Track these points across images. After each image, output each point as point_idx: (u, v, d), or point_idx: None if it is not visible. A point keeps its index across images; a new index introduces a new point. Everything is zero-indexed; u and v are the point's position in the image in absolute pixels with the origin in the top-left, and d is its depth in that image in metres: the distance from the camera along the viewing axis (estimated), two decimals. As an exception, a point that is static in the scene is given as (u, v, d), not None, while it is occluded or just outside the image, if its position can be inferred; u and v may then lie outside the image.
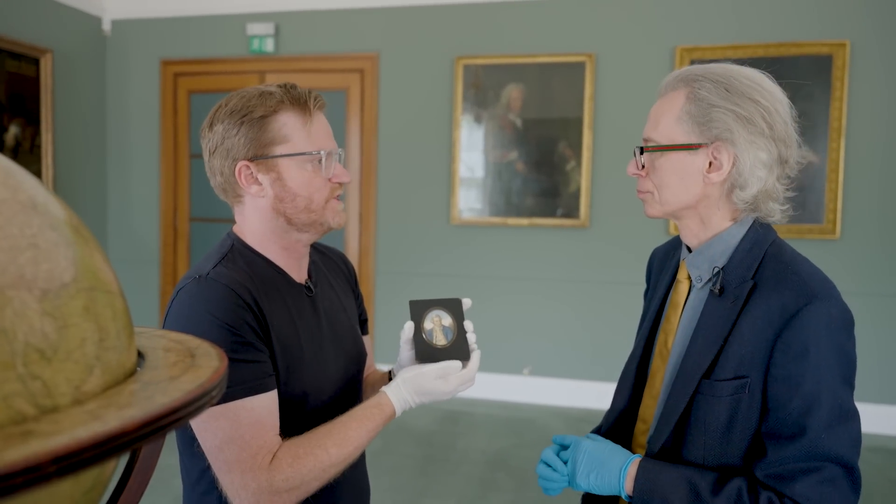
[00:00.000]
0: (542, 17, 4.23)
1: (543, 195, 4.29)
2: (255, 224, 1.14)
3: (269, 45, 4.56)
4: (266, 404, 1.03)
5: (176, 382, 0.43)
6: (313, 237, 1.16)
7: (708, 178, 1.04)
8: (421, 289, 4.38)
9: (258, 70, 4.65)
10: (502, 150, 4.33)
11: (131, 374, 0.46)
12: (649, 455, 1.07)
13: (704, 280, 1.08)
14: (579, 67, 4.17)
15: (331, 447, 1.03)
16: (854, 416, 0.97)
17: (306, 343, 1.12)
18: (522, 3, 4.26)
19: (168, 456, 1.59)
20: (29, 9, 4.24)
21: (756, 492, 0.96)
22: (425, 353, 1.14)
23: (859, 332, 1.10)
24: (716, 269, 1.06)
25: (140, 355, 0.51)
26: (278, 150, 1.09)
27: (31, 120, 4.28)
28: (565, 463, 1.10)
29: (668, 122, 1.06)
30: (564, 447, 1.13)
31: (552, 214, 4.27)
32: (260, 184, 1.11)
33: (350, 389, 1.21)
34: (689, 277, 1.11)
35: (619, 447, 1.09)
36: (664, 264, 1.23)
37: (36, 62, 4.28)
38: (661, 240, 4.13)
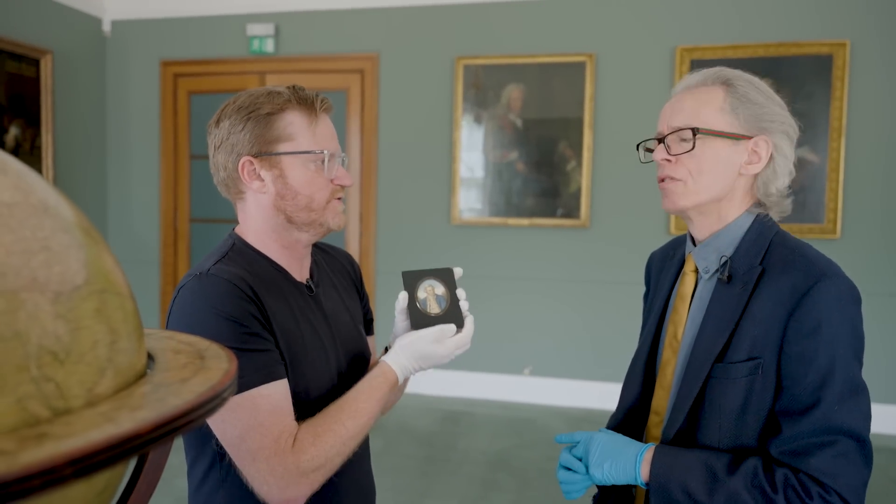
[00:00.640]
0: (542, 17, 4.24)
1: (544, 195, 4.29)
2: (256, 222, 1.16)
3: (270, 46, 4.56)
4: (281, 390, 1.04)
5: (187, 384, 0.43)
6: (313, 237, 1.17)
7: (746, 169, 1.08)
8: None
9: (258, 71, 4.65)
10: (503, 151, 4.34)
11: (142, 376, 0.46)
12: (664, 443, 1.08)
13: (712, 271, 1.10)
14: (579, 67, 4.17)
15: (346, 420, 1.05)
16: (864, 391, 0.99)
17: (308, 341, 1.13)
18: (522, 3, 4.26)
19: (171, 455, 1.59)
20: (29, 10, 4.24)
21: (771, 470, 0.98)
22: (420, 321, 1.16)
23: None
24: (723, 259, 1.08)
25: (149, 357, 0.51)
26: (282, 147, 1.11)
27: (32, 121, 4.28)
28: (580, 460, 1.11)
29: (711, 112, 1.08)
30: (573, 445, 1.14)
31: (552, 214, 4.28)
32: (262, 180, 1.12)
33: (348, 389, 1.21)
34: (696, 270, 1.13)
35: (632, 440, 1.10)
36: (664, 265, 1.26)
37: (36, 63, 4.28)
38: (662, 239, 4.13)
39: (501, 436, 3.79)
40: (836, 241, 3.91)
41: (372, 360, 1.33)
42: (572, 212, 4.24)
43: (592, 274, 4.27)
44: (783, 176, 1.09)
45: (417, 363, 1.14)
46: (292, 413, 1.05)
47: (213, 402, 0.41)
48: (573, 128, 4.22)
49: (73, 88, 4.58)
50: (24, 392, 0.35)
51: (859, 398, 0.98)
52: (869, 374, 1.12)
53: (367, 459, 1.26)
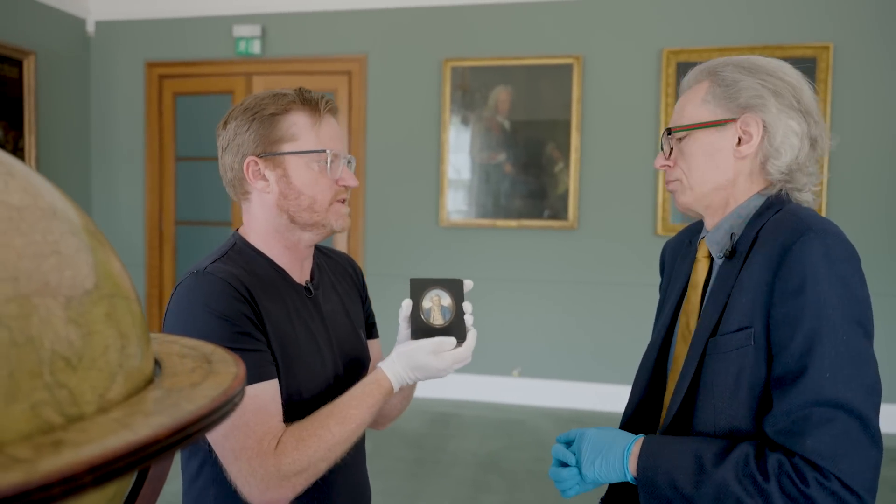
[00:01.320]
0: (530, 20, 4.25)
1: (532, 197, 4.30)
2: (259, 222, 1.16)
3: (256, 48, 4.54)
4: (269, 391, 1.03)
5: (199, 389, 0.42)
6: (315, 238, 1.17)
7: (738, 152, 1.02)
8: (409, 292, 4.36)
9: (245, 72, 4.63)
10: (491, 152, 4.34)
11: (150, 380, 0.45)
12: (663, 430, 1.01)
13: (724, 253, 1.04)
14: (567, 70, 4.19)
15: (333, 426, 1.04)
16: (867, 362, 0.88)
17: (303, 343, 1.13)
18: (510, 5, 4.27)
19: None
20: (11, 10, 4.19)
21: (764, 455, 0.89)
22: (421, 331, 1.13)
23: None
24: (733, 237, 1.02)
25: (154, 362, 0.51)
26: (286, 147, 1.12)
27: (14, 123, 4.23)
28: (575, 455, 1.06)
29: (694, 107, 1.05)
30: (570, 443, 1.09)
31: (540, 216, 4.29)
32: (266, 180, 1.13)
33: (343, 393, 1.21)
34: (709, 256, 1.08)
35: (623, 432, 1.04)
36: (678, 253, 1.20)
37: (19, 64, 4.23)
38: (649, 240, 4.16)
39: (491, 437, 3.79)
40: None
41: (373, 365, 1.32)
42: (560, 213, 4.26)
43: (580, 275, 4.28)
44: (786, 150, 1.00)
45: (413, 374, 1.11)
46: (279, 414, 1.04)
47: (226, 407, 0.40)
48: (560, 130, 4.23)
49: (56, 90, 4.53)
50: (39, 398, 0.34)
51: (861, 369, 0.87)
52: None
53: (363, 463, 1.26)
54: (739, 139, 1.02)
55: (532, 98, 4.27)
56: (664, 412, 1.07)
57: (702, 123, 1.04)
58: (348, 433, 1.05)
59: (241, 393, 0.44)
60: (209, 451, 1.08)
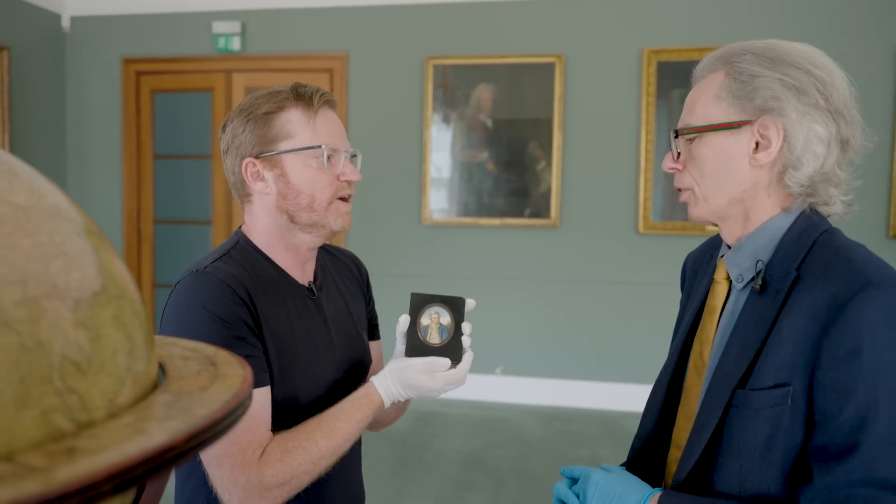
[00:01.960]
0: (512, 18, 4.26)
1: (514, 195, 4.31)
2: (261, 223, 1.14)
3: (236, 44, 4.49)
4: (259, 399, 1.02)
5: (208, 393, 0.41)
6: (316, 241, 1.15)
7: (755, 160, 0.89)
8: (393, 290, 4.35)
9: (225, 69, 4.58)
10: (473, 151, 4.34)
11: (155, 384, 0.44)
12: (676, 484, 0.91)
13: (746, 279, 0.93)
14: (549, 68, 4.20)
15: (320, 439, 1.02)
16: None
17: (302, 345, 1.11)
18: (492, 3, 4.27)
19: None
20: (-17, 4, 4.10)
21: None
22: (416, 349, 1.11)
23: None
24: (760, 265, 0.90)
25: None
26: (282, 145, 1.10)
27: (-13, 119, 4.14)
28: (578, 497, 0.96)
29: (706, 103, 0.93)
30: (575, 480, 0.99)
31: (523, 214, 4.30)
32: (265, 180, 1.11)
33: (347, 395, 1.20)
34: (728, 278, 0.97)
35: (635, 478, 0.94)
36: (699, 268, 1.09)
37: (-9, 60, 4.14)
38: (630, 238, 4.19)
39: (475, 435, 3.80)
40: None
41: (376, 368, 1.31)
42: (542, 211, 4.27)
43: (563, 273, 4.30)
44: (809, 160, 0.87)
45: (405, 391, 1.09)
46: (267, 423, 1.02)
47: (238, 411, 0.40)
48: (543, 128, 4.25)
49: (30, 86, 4.44)
50: (49, 405, 0.33)
51: None
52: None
53: (358, 468, 1.25)
54: (757, 144, 0.90)
55: (514, 96, 4.28)
56: (671, 448, 1.00)
57: (714, 126, 0.91)
58: (335, 447, 1.04)
59: (251, 396, 0.44)
60: None
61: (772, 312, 0.86)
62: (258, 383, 1.02)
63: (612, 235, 4.21)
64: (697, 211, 0.96)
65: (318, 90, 1.12)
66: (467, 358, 1.12)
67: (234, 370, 0.47)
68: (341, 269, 1.30)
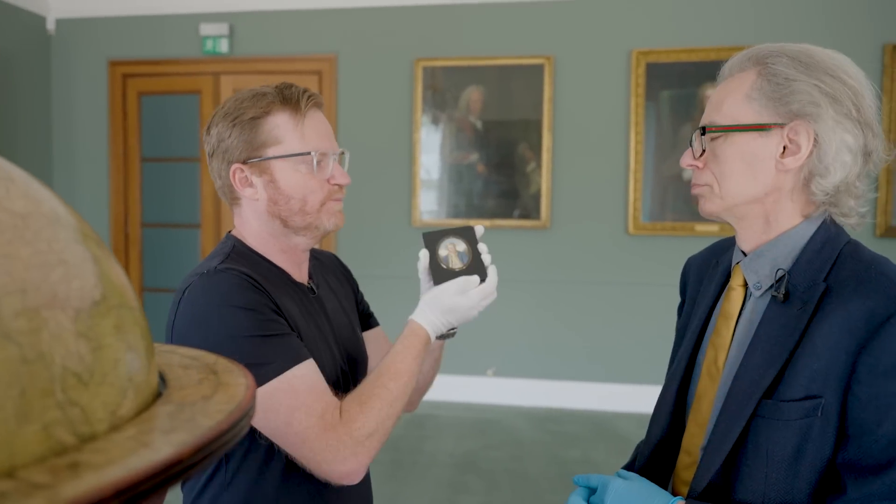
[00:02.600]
0: (501, 20, 4.26)
1: (504, 197, 4.32)
2: (253, 227, 1.14)
3: (224, 46, 4.46)
4: (312, 369, 1.02)
5: (211, 402, 0.40)
6: (310, 241, 1.15)
7: (782, 164, 0.88)
8: (382, 291, 4.34)
9: (212, 72, 4.55)
10: (463, 152, 4.34)
11: (157, 394, 0.43)
12: (693, 494, 0.90)
13: (765, 287, 0.92)
14: (538, 70, 4.21)
15: (388, 382, 1.04)
16: None
17: (312, 341, 1.11)
18: (481, 5, 4.27)
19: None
20: (-33, 7, 4.05)
21: None
22: (442, 276, 1.14)
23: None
24: (780, 273, 0.89)
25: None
26: (270, 151, 1.08)
27: (-29, 123, 4.08)
28: None
29: (735, 102, 0.91)
30: (592, 490, 0.96)
31: (513, 216, 4.31)
32: (254, 186, 1.10)
33: (350, 390, 1.20)
34: (745, 285, 0.96)
35: (655, 487, 0.92)
36: (703, 273, 1.08)
37: (-25, 62, 4.09)
38: (621, 239, 4.20)
39: (467, 437, 3.79)
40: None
41: (382, 351, 1.31)
42: (532, 213, 4.28)
43: (553, 274, 4.31)
44: (837, 169, 0.87)
45: (445, 317, 1.11)
46: (329, 389, 1.03)
47: (243, 421, 0.39)
48: (532, 129, 4.25)
49: (15, 89, 4.39)
50: (51, 418, 0.32)
51: None
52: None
53: (368, 476, 1.25)
54: (785, 148, 0.88)
55: (504, 98, 4.28)
56: (680, 454, 0.99)
57: (743, 126, 0.90)
58: (403, 387, 1.05)
59: (254, 406, 0.43)
60: (220, 460, 1.06)
61: (799, 323, 0.85)
62: (305, 356, 1.02)
63: (603, 236, 4.22)
64: (711, 206, 0.95)
65: (304, 91, 1.11)
66: (493, 271, 1.15)
67: (235, 378, 0.47)
68: (328, 269, 1.31)
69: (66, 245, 0.37)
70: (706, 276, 1.07)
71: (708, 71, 3.99)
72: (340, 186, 1.13)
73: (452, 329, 1.15)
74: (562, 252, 4.28)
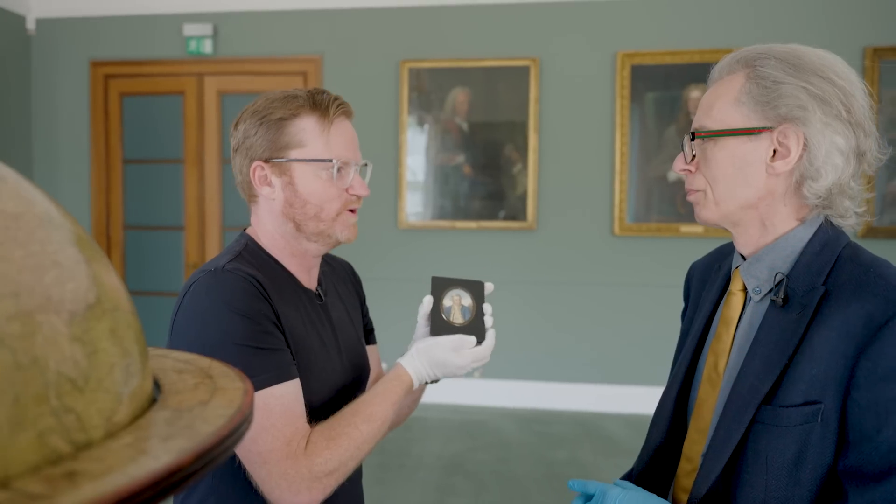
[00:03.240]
0: (487, 22, 4.26)
1: (491, 198, 4.32)
2: (267, 228, 1.13)
3: (207, 47, 4.42)
4: (293, 391, 1.01)
5: (209, 408, 0.39)
6: (321, 249, 1.14)
7: (772, 167, 0.88)
8: (369, 293, 4.33)
9: (196, 72, 4.50)
10: (449, 154, 4.34)
11: (151, 400, 0.42)
12: (693, 501, 0.89)
13: (764, 291, 0.91)
14: (524, 72, 4.22)
15: (360, 424, 1.02)
16: None
17: (316, 349, 1.10)
18: (467, 7, 4.27)
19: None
20: (-56, 5, 3.98)
21: None
22: (440, 328, 1.13)
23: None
24: (778, 277, 0.89)
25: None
26: (293, 153, 1.09)
27: (-51, 124, 4.01)
28: None
29: (724, 106, 0.90)
30: (589, 497, 0.96)
31: (499, 217, 4.31)
32: (272, 185, 1.10)
33: (351, 400, 1.19)
34: (744, 289, 0.95)
35: (655, 497, 0.91)
36: (706, 277, 1.07)
37: (-47, 62, 4.02)
38: (606, 240, 4.22)
39: (454, 439, 3.78)
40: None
41: (375, 371, 1.31)
42: (519, 214, 4.28)
43: (539, 275, 4.32)
44: (828, 172, 0.86)
45: (433, 369, 1.11)
46: (304, 415, 1.02)
47: (243, 427, 0.38)
48: (518, 131, 4.26)
49: (-6, 89, 4.32)
50: (46, 426, 0.31)
51: None
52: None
53: (360, 478, 1.24)
54: (775, 151, 0.88)
55: (490, 100, 4.28)
56: (681, 460, 0.98)
57: (732, 130, 0.89)
58: (375, 430, 1.04)
59: (252, 410, 0.42)
60: None
61: (798, 328, 0.84)
62: (290, 375, 1.01)
63: (589, 237, 4.23)
64: (706, 213, 0.94)
65: (335, 99, 1.11)
66: (491, 336, 1.15)
67: (232, 383, 0.45)
68: (339, 277, 1.30)
69: (59, 247, 0.36)
70: (708, 281, 1.06)
71: (692, 73, 4.02)
72: (358, 197, 1.13)
73: (437, 380, 1.15)
74: (548, 253, 4.29)
